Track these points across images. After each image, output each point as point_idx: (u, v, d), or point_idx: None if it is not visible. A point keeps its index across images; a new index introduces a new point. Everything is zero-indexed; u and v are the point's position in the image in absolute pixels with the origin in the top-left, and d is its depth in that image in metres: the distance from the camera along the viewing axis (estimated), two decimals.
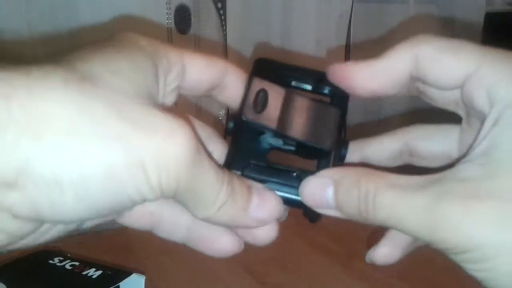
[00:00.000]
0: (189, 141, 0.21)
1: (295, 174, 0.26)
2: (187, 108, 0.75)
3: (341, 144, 0.28)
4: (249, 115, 0.26)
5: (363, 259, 0.63)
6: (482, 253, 0.21)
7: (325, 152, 0.27)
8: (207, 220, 0.24)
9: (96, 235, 0.65)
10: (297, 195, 0.26)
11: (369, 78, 0.26)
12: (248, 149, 0.26)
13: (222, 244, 0.27)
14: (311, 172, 0.26)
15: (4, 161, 0.18)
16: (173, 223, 0.27)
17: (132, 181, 0.20)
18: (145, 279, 0.43)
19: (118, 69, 0.22)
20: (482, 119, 0.23)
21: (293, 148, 0.27)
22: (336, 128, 0.28)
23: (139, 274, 0.43)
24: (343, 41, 0.86)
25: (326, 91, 0.29)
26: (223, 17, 0.75)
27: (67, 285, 0.42)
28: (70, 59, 0.21)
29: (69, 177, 0.19)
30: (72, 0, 0.65)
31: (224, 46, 0.76)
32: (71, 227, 0.24)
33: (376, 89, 0.26)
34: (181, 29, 0.73)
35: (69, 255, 0.47)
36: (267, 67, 0.29)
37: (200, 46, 0.74)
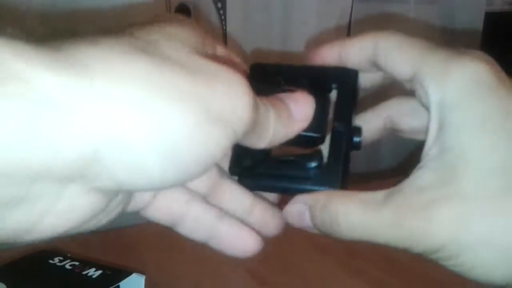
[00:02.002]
0: (247, 84, 0.22)
1: (300, 161, 0.28)
2: None
3: (353, 131, 0.28)
4: None
5: (363, 259, 0.63)
6: (448, 252, 0.23)
7: (318, 138, 0.27)
8: (269, 145, 0.25)
9: (96, 235, 0.65)
10: (313, 185, 0.27)
11: (339, 55, 0.29)
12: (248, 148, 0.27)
13: (245, 243, 0.28)
14: (317, 157, 0.27)
15: (87, 132, 0.18)
16: (198, 221, 0.27)
17: (215, 136, 0.21)
18: (145, 279, 0.43)
19: (172, 34, 0.22)
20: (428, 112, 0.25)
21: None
22: (327, 114, 0.28)
23: (139, 274, 0.43)
24: None
25: (328, 82, 0.29)
26: (223, 17, 0.75)
27: (67, 285, 0.42)
28: (126, 30, 0.21)
29: (152, 144, 0.19)
30: None
31: (224, 46, 0.75)
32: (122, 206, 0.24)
33: (345, 62, 0.29)
34: None
35: (69, 255, 0.47)
36: (262, 71, 0.30)
37: None
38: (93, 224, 0.22)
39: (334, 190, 0.27)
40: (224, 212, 0.28)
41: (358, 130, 0.29)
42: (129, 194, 0.24)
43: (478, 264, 0.23)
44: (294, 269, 0.58)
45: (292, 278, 0.57)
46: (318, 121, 0.28)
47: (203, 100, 0.20)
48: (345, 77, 0.29)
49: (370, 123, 0.30)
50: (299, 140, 0.27)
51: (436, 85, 0.24)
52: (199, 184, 0.28)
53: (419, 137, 0.29)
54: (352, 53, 0.28)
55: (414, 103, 0.29)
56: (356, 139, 0.28)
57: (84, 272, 0.43)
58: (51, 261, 0.45)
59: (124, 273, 0.43)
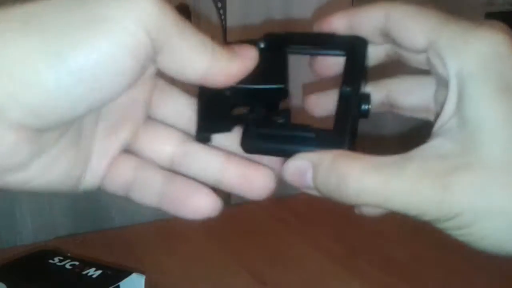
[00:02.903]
0: None
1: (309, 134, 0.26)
2: None
3: (360, 98, 0.27)
4: None
5: (363, 259, 0.63)
6: (462, 220, 0.23)
7: (281, 90, 0.27)
8: (206, 74, 0.24)
9: (96, 235, 0.66)
10: (319, 145, 0.26)
11: (347, 28, 0.28)
12: (216, 109, 0.27)
13: (196, 202, 0.26)
14: (285, 114, 0.27)
15: None
16: (146, 184, 0.27)
17: (111, 36, 0.21)
18: (145, 279, 0.43)
19: None
20: (446, 82, 0.25)
21: (250, 100, 0.28)
22: (286, 68, 0.28)
23: (139, 274, 0.43)
24: None
25: (336, 48, 0.29)
26: (223, 17, 0.75)
27: (67, 285, 0.42)
28: None
29: (44, 63, 0.20)
30: None
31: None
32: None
33: (355, 31, 0.28)
34: None
35: (69, 254, 0.47)
36: (273, 41, 0.29)
37: None
38: (40, 170, 0.23)
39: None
40: (175, 174, 0.27)
41: (366, 97, 0.28)
42: (70, 136, 0.24)
43: (491, 234, 0.23)
44: (294, 269, 0.58)
45: (292, 278, 0.57)
46: (279, 74, 0.27)
47: (91, 4, 0.21)
48: (354, 44, 0.28)
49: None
50: (262, 95, 0.27)
51: (454, 55, 0.24)
52: (161, 150, 0.27)
53: (418, 115, 0.30)
54: (362, 22, 0.28)
55: (414, 81, 0.29)
56: (364, 106, 0.27)
57: (84, 272, 0.43)
58: (51, 261, 0.45)
59: (124, 273, 0.43)
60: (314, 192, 0.26)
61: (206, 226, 0.70)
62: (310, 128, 0.26)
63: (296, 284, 0.56)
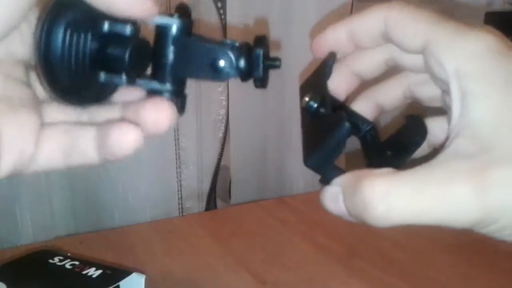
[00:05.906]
0: None
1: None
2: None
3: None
4: None
5: (363, 259, 0.63)
6: (506, 221, 0.22)
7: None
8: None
9: (96, 235, 0.66)
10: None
11: (348, 36, 0.29)
12: None
13: (118, 136, 0.24)
14: None
15: None
16: (80, 148, 0.25)
17: None
18: (145, 279, 0.43)
19: None
20: (444, 82, 0.25)
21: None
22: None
23: (139, 273, 0.43)
24: None
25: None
26: (223, 17, 0.75)
27: (67, 284, 0.42)
28: None
29: None
30: None
31: None
32: None
33: (355, 43, 0.29)
34: None
35: (69, 254, 0.47)
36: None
37: None
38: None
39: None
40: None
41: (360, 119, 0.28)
42: None
43: None
44: (294, 269, 0.58)
45: (292, 278, 0.57)
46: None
47: None
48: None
49: (391, 91, 0.31)
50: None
51: (450, 55, 0.24)
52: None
53: (433, 104, 0.30)
54: (362, 28, 0.28)
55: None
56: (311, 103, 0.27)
57: (84, 272, 0.43)
58: (51, 261, 0.45)
59: (124, 273, 0.43)
60: (351, 219, 0.25)
61: (206, 226, 0.70)
62: None
63: (295, 284, 0.56)
